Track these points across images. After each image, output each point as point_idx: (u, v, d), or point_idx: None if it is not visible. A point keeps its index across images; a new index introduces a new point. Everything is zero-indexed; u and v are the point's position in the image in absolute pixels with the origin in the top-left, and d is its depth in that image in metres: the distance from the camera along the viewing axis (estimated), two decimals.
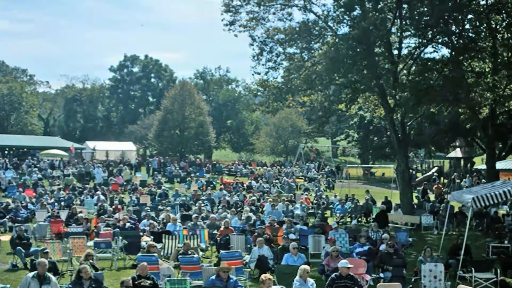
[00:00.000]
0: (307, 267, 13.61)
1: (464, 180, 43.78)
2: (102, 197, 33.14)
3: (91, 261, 14.96)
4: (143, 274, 13.61)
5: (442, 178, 48.72)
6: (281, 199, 32.59)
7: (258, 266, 17.37)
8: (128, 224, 23.52)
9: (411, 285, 15.75)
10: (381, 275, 15.95)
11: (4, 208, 27.93)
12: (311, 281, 13.43)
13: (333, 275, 13.65)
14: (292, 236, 21.47)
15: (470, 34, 27.50)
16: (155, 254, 16.45)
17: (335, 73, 26.83)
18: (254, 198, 33.82)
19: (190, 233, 21.25)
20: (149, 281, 13.55)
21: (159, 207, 30.14)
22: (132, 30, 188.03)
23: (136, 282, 13.32)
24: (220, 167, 59.06)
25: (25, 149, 66.07)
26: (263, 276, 12.59)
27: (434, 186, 41.07)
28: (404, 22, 27.31)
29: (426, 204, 32.11)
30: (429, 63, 28.10)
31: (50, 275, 13.47)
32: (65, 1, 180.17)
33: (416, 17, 26.34)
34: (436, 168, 53.46)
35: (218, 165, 61.02)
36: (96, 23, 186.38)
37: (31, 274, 13.29)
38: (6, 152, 63.55)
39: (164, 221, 24.36)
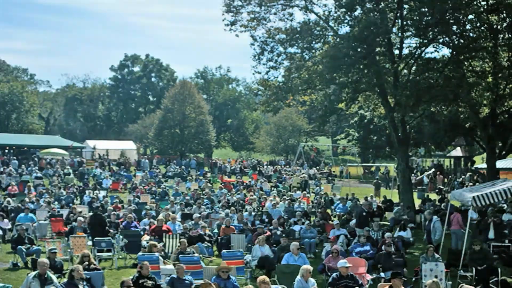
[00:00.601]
0: (309, 267, 13.64)
1: (463, 177, 43.95)
2: (100, 197, 33.14)
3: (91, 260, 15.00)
4: (145, 274, 13.63)
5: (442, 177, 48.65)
6: (282, 198, 32.57)
7: (260, 265, 17.41)
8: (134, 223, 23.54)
9: (411, 285, 15.75)
10: (382, 274, 15.97)
11: (4, 208, 27.91)
12: (312, 280, 13.44)
13: (333, 275, 13.71)
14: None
15: (471, 34, 27.54)
16: (156, 254, 16.48)
17: (335, 72, 26.82)
18: (254, 197, 33.87)
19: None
20: (150, 281, 13.57)
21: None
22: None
23: (140, 282, 13.36)
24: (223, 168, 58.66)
25: (26, 148, 66.07)
26: (259, 279, 12.48)
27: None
28: (405, 22, 27.31)
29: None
30: (430, 63, 28.13)
31: (51, 274, 13.48)
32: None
33: (417, 17, 26.36)
34: (433, 170, 53.44)
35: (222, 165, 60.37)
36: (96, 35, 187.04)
37: (32, 274, 13.30)
38: (6, 150, 63.55)
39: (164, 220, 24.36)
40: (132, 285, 12.57)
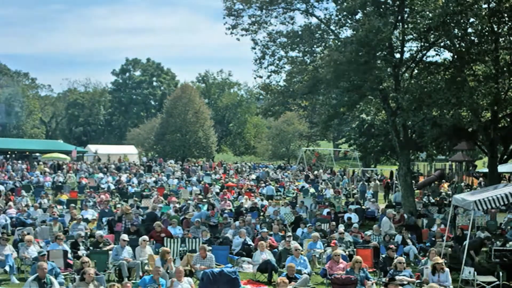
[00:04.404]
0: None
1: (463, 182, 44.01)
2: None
3: None
4: None
5: (444, 182, 48.55)
6: (284, 203, 32.43)
7: (261, 269, 17.40)
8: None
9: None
10: (383, 279, 15.87)
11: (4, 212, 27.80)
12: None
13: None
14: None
15: (473, 38, 27.45)
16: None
17: (340, 77, 26.61)
18: (256, 201, 33.68)
19: (193, 236, 21.28)
20: None
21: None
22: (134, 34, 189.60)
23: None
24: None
25: (27, 153, 66.10)
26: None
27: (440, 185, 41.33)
28: (406, 26, 27.25)
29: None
30: (431, 67, 28.07)
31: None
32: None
33: (418, 21, 26.28)
34: (438, 171, 53.35)
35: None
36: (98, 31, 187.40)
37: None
38: (8, 155, 63.58)
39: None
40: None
